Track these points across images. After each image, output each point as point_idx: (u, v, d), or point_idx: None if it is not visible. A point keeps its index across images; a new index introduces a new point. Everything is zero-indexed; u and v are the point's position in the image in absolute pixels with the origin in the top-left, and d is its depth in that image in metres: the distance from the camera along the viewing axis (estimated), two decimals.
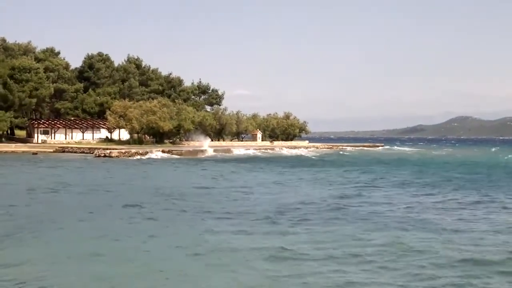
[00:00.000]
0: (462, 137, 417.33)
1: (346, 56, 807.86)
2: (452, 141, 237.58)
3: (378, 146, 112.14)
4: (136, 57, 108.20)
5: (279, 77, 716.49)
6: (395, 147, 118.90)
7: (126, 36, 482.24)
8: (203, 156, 65.31)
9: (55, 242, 14.18)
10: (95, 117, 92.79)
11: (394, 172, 41.42)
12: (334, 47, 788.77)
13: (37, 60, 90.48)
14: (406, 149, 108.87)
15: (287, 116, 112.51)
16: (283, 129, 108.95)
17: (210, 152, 69.49)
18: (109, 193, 25.63)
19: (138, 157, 60.13)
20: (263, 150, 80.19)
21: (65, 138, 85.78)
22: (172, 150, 67.39)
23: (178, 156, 63.43)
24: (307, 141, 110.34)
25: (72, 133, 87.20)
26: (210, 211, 19.93)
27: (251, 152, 75.15)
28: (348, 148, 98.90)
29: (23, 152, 68.34)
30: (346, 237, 15.19)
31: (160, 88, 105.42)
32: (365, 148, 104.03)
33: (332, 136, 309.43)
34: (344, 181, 34.04)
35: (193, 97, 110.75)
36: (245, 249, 13.43)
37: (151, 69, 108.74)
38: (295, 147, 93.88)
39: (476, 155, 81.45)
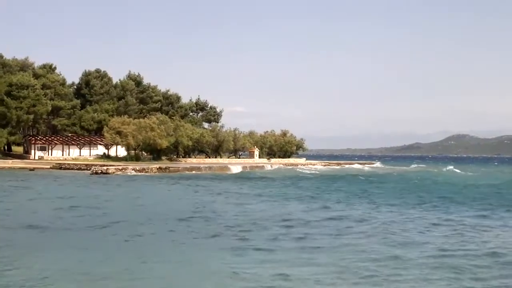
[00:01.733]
0: (457, 156, 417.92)
1: (343, 75, 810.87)
2: (440, 158, 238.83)
3: (353, 164, 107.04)
4: (137, 74, 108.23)
5: (276, 94, 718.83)
6: (374, 164, 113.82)
7: (125, 53, 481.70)
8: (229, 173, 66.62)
9: None
10: (93, 133, 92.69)
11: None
12: (330, 66, 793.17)
13: (36, 76, 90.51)
14: (374, 166, 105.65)
15: (284, 134, 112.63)
16: (280, 147, 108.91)
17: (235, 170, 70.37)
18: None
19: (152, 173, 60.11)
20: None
21: (62, 155, 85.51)
22: (169, 168, 67.24)
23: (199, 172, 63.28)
24: (304, 158, 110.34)
25: (69, 149, 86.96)
26: None
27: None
28: (319, 166, 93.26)
29: (20, 168, 68.04)
30: None
31: (158, 105, 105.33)
32: (337, 167, 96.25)
33: (325, 154, 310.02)
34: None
35: (191, 113, 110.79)
36: None
37: (150, 85, 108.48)
38: (292, 165, 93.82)
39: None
